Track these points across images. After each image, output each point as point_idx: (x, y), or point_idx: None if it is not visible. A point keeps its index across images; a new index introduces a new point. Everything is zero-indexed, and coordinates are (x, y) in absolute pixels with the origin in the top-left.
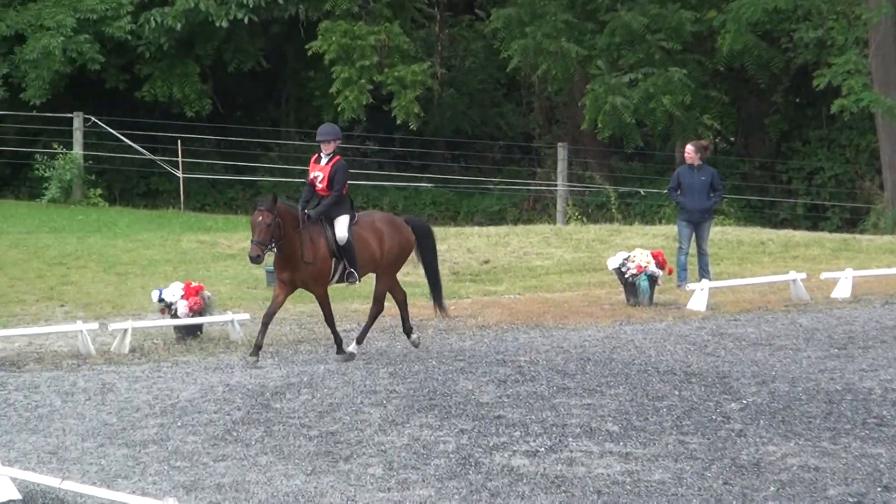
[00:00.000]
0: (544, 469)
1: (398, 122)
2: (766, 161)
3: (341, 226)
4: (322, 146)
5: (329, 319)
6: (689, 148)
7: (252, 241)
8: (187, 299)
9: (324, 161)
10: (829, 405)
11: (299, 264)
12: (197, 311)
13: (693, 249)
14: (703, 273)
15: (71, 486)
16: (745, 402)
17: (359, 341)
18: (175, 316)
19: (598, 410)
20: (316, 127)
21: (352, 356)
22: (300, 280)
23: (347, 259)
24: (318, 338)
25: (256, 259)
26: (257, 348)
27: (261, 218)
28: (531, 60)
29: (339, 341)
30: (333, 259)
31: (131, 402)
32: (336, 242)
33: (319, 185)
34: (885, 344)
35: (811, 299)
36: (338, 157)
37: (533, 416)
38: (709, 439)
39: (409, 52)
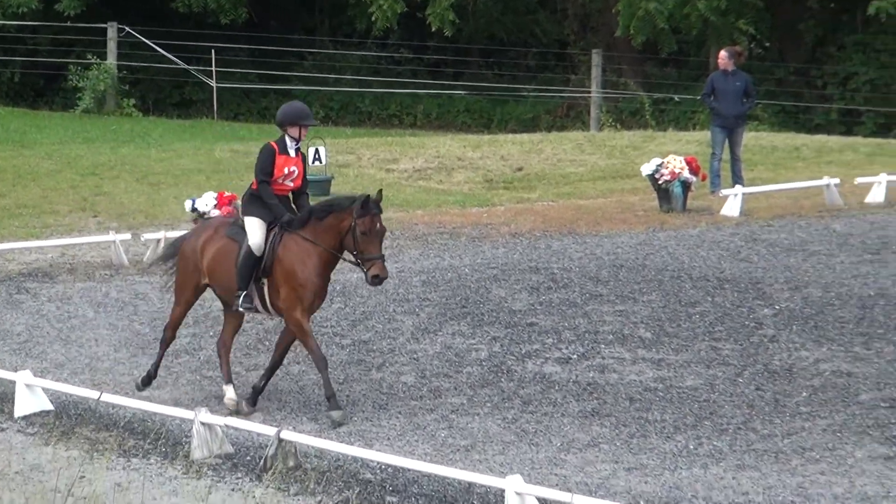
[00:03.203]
0: (576, 376)
1: (433, 29)
2: (800, 66)
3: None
4: (301, 131)
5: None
6: (723, 53)
7: (383, 258)
8: (220, 208)
9: (292, 152)
10: (862, 310)
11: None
12: None
13: (727, 155)
14: (737, 179)
15: (109, 398)
16: (777, 307)
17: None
18: None
19: (631, 317)
20: (351, 35)
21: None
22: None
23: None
24: None
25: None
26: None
27: (379, 225)
28: None
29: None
30: None
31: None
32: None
33: (291, 184)
34: None
35: (845, 204)
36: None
37: (566, 324)
38: (741, 345)
39: None
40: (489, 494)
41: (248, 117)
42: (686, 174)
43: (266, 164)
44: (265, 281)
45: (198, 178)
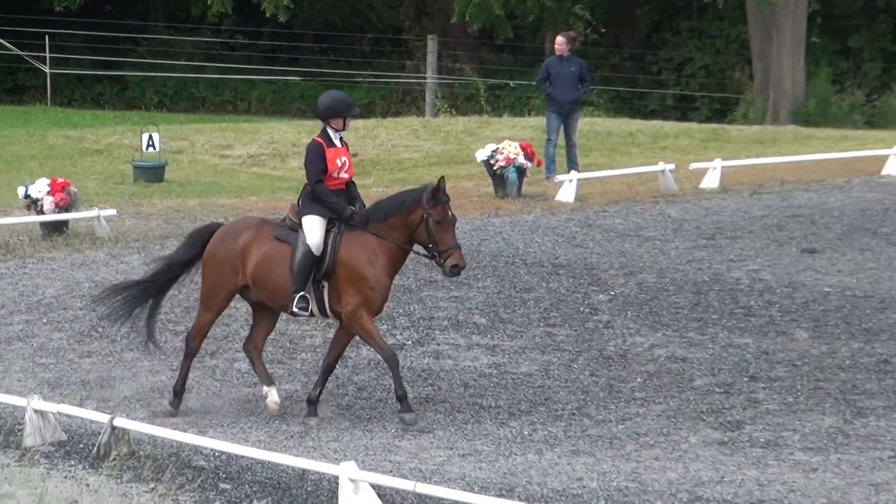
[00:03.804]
0: (411, 362)
1: (267, 15)
2: (636, 52)
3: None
4: (345, 121)
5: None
6: (560, 39)
7: (459, 247)
8: (53, 195)
9: (338, 142)
10: (697, 296)
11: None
12: (63, 207)
13: (562, 141)
14: (572, 164)
15: None
16: (612, 293)
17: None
18: (41, 212)
19: (466, 303)
20: (186, 21)
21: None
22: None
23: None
24: (184, 233)
25: None
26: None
27: (451, 214)
28: None
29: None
30: None
31: None
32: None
33: (346, 175)
34: (752, 234)
35: (680, 190)
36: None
37: (400, 310)
38: (576, 331)
39: None
40: (323, 481)
41: (81, 103)
42: (521, 160)
43: (317, 162)
44: (325, 283)
45: (31, 164)
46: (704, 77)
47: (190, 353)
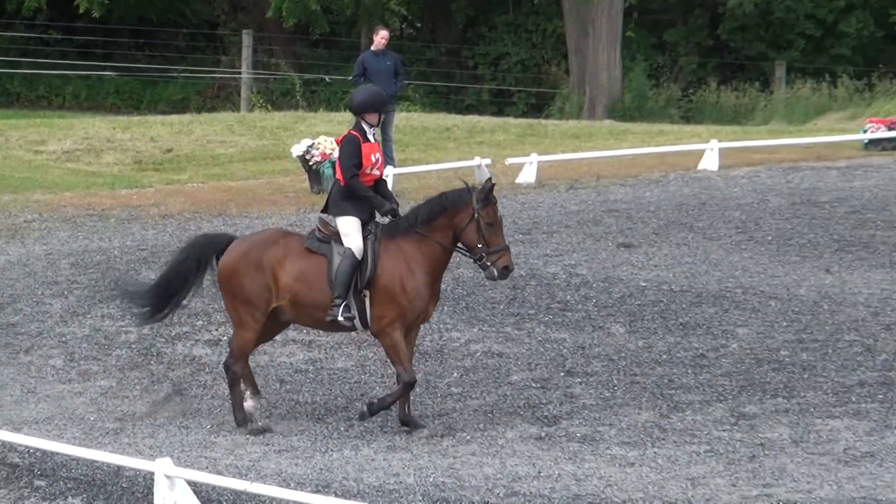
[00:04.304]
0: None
1: (81, 10)
2: (452, 47)
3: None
4: (380, 116)
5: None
6: (385, 33)
7: (509, 248)
8: None
9: (372, 138)
10: (514, 291)
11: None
12: None
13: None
14: (388, 160)
15: None
16: None
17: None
18: None
19: None
20: (0, 16)
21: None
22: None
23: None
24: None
25: None
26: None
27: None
28: None
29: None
30: None
31: None
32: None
33: (377, 172)
34: (569, 229)
35: (496, 185)
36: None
37: (215, 306)
38: None
39: None
40: (139, 478)
41: None
42: (337, 155)
43: (354, 155)
44: (366, 293)
45: None
46: (520, 72)
47: (235, 379)
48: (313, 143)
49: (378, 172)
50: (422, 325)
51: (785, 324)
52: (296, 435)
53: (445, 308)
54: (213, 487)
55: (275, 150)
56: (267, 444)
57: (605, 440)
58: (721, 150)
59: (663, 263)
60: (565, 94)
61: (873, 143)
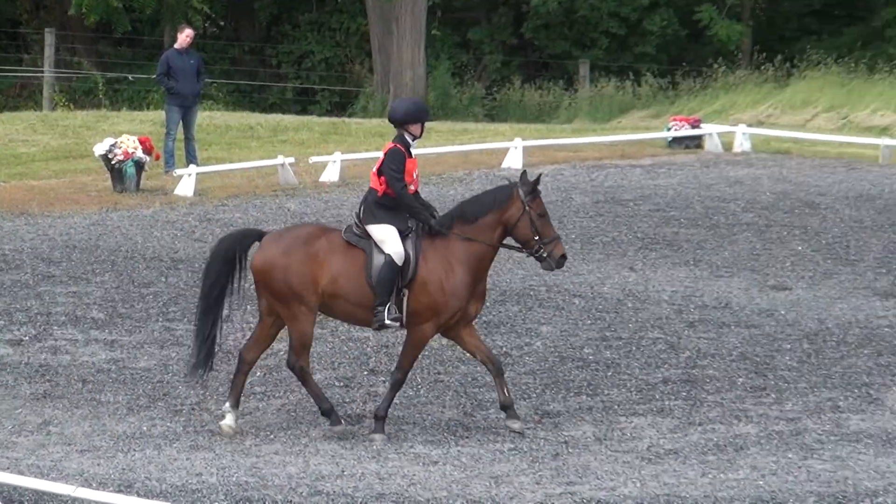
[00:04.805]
0: (28, 358)
1: None
2: (255, 45)
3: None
4: (422, 128)
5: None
6: (189, 31)
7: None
8: None
9: (412, 153)
10: None
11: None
12: None
13: (181, 135)
14: (191, 158)
15: None
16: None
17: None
18: None
19: (84, 298)
20: None
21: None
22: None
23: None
24: None
25: None
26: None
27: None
28: None
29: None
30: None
31: None
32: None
33: (413, 188)
34: None
35: (300, 183)
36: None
37: (17, 305)
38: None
39: None
40: None
41: None
42: (139, 154)
43: (401, 168)
44: (405, 292)
45: None
46: (324, 70)
47: (306, 375)
48: (116, 142)
49: (413, 188)
50: (474, 323)
51: (589, 322)
52: (98, 435)
53: (248, 307)
54: (15, 488)
55: (77, 149)
56: (69, 445)
57: (408, 439)
58: (525, 149)
59: None
60: (369, 92)
61: (677, 142)
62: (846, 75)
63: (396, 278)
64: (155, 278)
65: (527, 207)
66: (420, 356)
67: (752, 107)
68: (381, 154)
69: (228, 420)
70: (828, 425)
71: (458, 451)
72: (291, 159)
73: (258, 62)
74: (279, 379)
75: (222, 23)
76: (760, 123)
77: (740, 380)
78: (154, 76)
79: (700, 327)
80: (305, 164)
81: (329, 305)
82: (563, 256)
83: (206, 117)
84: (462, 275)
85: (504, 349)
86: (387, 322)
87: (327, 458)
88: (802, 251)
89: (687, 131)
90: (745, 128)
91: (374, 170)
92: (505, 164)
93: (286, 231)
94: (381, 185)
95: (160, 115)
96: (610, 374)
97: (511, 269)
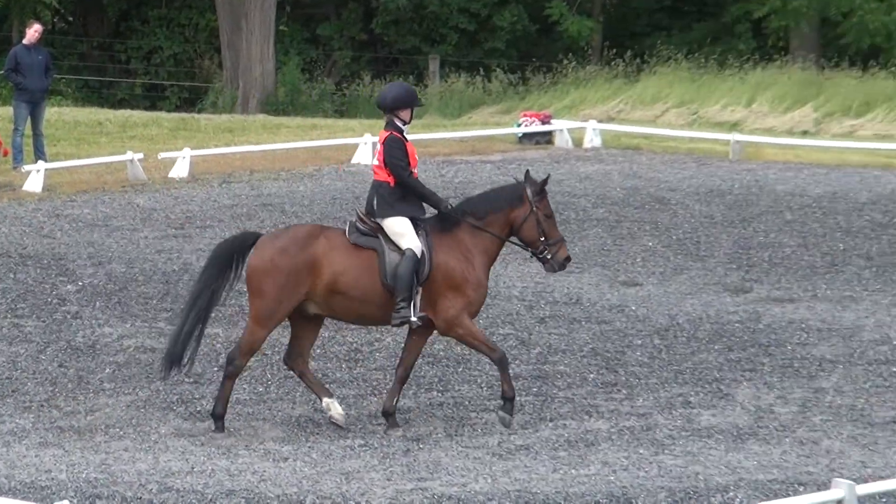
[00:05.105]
0: None
1: None
2: (104, 41)
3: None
4: (411, 112)
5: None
6: (39, 27)
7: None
8: None
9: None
10: (167, 286)
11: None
12: None
13: (29, 130)
14: (39, 154)
15: None
16: (81, 283)
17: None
18: None
19: None
20: None
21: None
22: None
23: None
24: None
25: None
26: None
27: None
28: None
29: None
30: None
31: None
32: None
33: (416, 171)
34: (222, 223)
35: (149, 179)
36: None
37: None
38: (44, 322)
39: None
40: None
41: None
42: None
43: (404, 155)
44: (419, 289)
45: None
46: (173, 66)
47: (233, 373)
48: None
49: (415, 172)
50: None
51: None
52: None
53: (97, 303)
54: None
55: None
56: None
57: (258, 435)
58: (374, 145)
59: None
60: (218, 88)
61: (527, 137)
62: (696, 71)
63: (416, 273)
64: (3, 274)
65: (534, 208)
66: (269, 351)
67: (602, 102)
68: (372, 146)
69: (334, 411)
70: (679, 421)
71: (309, 447)
72: (140, 155)
73: (107, 58)
74: (129, 375)
75: (71, 18)
76: (611, 119)
77: (591, 376)
78: (1, 72)
79: (551, 323)
80: (154, 160)
81: (330, 305)
82: (567, 259)
83: (55, 113)
84: (479, 266)
85: (354, 345)
86: (413, 320)
87: (177, 455)
88: (653, 247)
89: (537, 127)
90: (595, 123)
91: (377, 162)
92: (354, 160)
93: (281, 232)
94: (389, 175)
95: (8, 110)
96: (461, 370)
97: None
